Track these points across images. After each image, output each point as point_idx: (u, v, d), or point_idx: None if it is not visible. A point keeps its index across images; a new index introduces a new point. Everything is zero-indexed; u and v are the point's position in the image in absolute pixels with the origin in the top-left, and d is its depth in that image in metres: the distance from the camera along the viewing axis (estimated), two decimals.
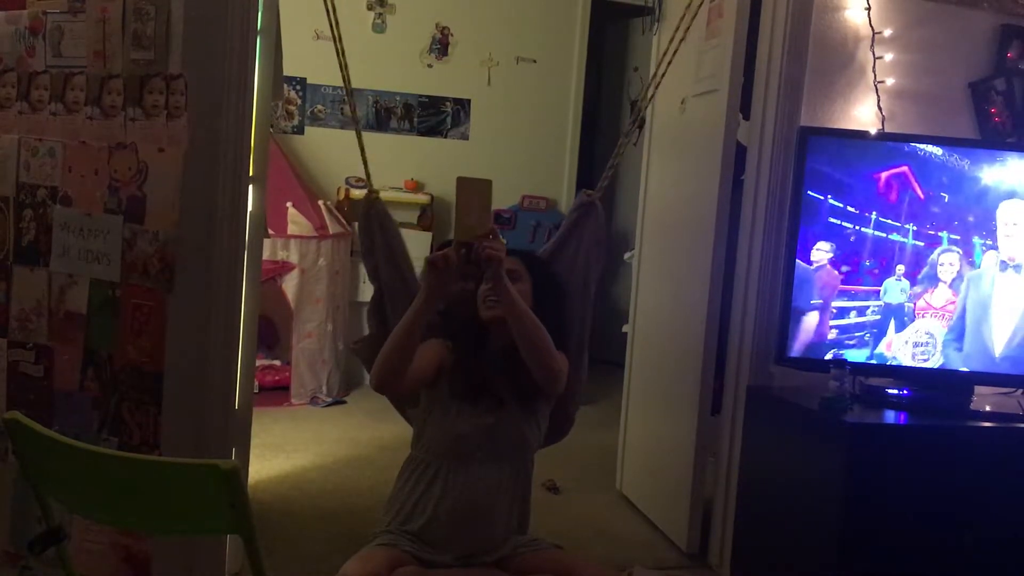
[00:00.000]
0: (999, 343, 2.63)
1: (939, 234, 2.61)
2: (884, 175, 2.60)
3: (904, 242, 2.61)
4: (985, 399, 2.72)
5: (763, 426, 2.78)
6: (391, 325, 2.16)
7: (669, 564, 3.05)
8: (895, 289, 2.62)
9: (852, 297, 2.63)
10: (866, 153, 2.63)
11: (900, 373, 2.65)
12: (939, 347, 2.63)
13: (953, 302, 2.62)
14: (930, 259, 2.61)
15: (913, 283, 2.62)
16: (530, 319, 2.00)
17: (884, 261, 2.62)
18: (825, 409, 2.44)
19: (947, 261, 2.61)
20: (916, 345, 2.62)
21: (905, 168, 2.60)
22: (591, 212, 2.42)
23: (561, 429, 2.40)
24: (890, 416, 2.54)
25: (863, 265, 2.62)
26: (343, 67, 2.39)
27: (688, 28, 2.56)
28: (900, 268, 2.61)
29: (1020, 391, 2.76)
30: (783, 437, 2.69)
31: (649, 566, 2.98)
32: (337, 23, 2.32)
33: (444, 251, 1.95)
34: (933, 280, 2.62)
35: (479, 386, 2.09)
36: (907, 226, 2.61)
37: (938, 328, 2.63)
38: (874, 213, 2.60)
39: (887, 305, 2.63)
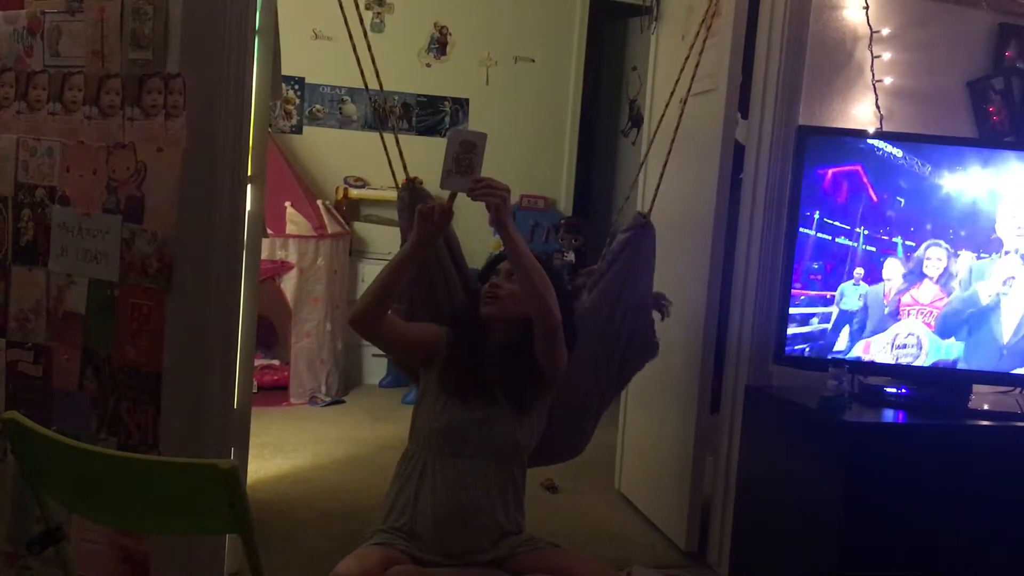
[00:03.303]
0: (1007, 335, 2.58)
1: (893, 240, 2.53)
2: (831, 172, 2.53)
3: (855, 246, 2.52)
4: (983, 397, 2.73)
5: (762, 425, 2.79)
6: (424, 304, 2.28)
7: (668, 563, 3.05)
8: (852, 295, 2.55)
9: (792, 304, 2.56)
10: (821, 149, 2.58)
11: (900, 372, 2.64)
12: (926, 346, 2.59)
13: (942, 299, 2.58)
14: (915, 255, 2.55)
15: (872, 286, 2.55)
16: (529, 258, 2.05)
17: (830, 266, 2.54)
18: (824, 408, 2.44)
19: (934, 256, 2.55)
20: (899, 347, 2.57)
21: (858, 167, 2.54)
22: (646, 233, 2.41)
23: (575, 445, 2.42)
24: (888, 415, 2.54)
25: (809, 268, 2.55)
26: (365, 64, 2.42)
27: (698, 35, 2.58)
28: (859, 272, 2.53)
29: (1019, 390, 2.76)
30: (782, 436, 2.69)
31: (648, 565, 2.98)
32: (361, 20, 2.38)
33: (437, 204, 2.06)
34: (919, 276, 2.56)
35: (471, 384, 2.10)
36: (858, 229, 2.53)
37: (922, 328, 2.57)
38: (817, 213, 2.55)
39: (842, 312, 2.56)
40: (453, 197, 2.08)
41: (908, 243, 2.54)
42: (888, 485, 2.37)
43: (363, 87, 2.41)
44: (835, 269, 2.56)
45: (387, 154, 2.46)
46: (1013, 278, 2.55)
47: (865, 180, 2.53)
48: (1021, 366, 2.60)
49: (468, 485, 2.05)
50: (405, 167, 2.45)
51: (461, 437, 2.07)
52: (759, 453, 2.79)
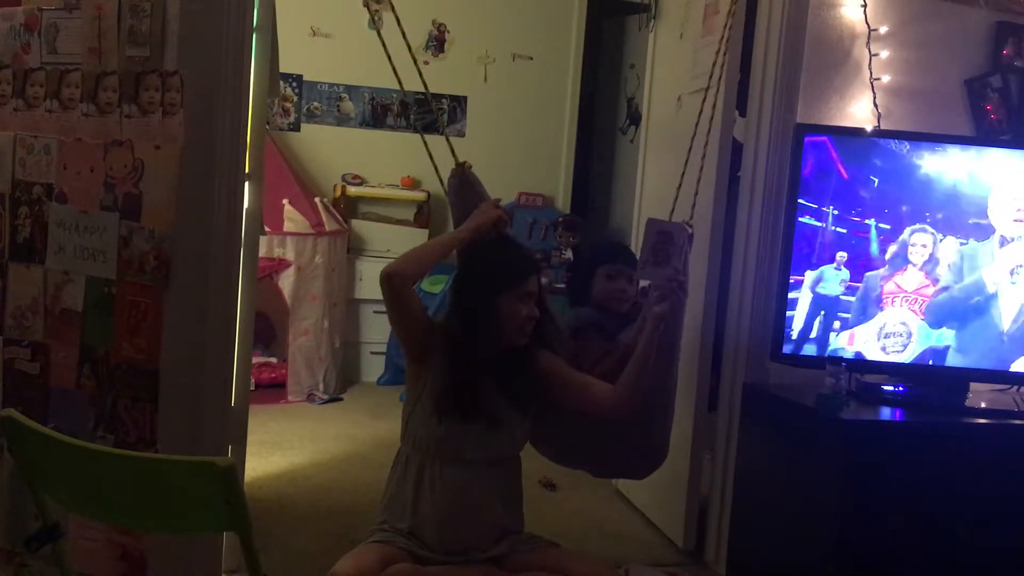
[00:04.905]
0: (1007, 323, 2.54)
1: (866, 222, 2.41)
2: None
3: (822, 227, 2.39)
4: (981, 395, 2.73)
5: (759, 423, 2.79)
6: None
7: (665, 561, 3.05)
8: (833, 280, 2.44)
9: None
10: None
11: (899, 370, 2.64)
12: (916, 335, 2.53)
13: (927, 286, 2.51)
14: (900, 239, 2.48)
15: (855, 272, 2.45)
16: (651, 361, 2.11)
17: (804, 249, 2.42)
18: (821, 406, 2.44)
19: (919, 242, 2.46)
20: (886, 336, 2.49)
21: (824, 139, 2.40)
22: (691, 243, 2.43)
23: (654, 457, 2.44)
24: (886, 413, 2.55)
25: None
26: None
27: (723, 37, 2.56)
28: (841, 255, 2.41)
29: (1017, 388, 2.76)
30: (779, 434, 2.69)
31: (646, 563, 2.99)
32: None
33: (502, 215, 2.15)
34: (904, 262, 2.47)
35: (471, 407, 2.06)
36: (826, 209, 2.39)
37: (910, 316, 2.49)
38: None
39: (817, 297, 2.48)
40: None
41: (882, 225, 2.45)
42: (886, 483, 2.37)
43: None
44: (800, 251, 2.47)
45: (452, 150, 2.50)
46: (1021, 267, 2.51)
47: (834, 155, 2.43)
48: (1022, 354, 2.59)
49: (470, 488, 2.05)
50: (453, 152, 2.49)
51: (460, 445, 2.06)
52: (757, 451, 2.79)
